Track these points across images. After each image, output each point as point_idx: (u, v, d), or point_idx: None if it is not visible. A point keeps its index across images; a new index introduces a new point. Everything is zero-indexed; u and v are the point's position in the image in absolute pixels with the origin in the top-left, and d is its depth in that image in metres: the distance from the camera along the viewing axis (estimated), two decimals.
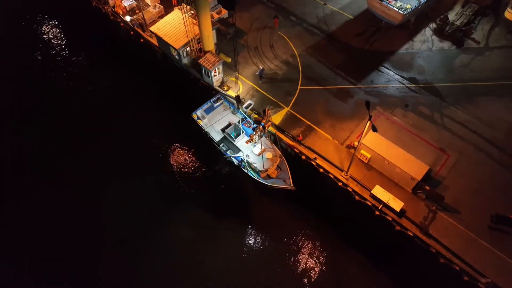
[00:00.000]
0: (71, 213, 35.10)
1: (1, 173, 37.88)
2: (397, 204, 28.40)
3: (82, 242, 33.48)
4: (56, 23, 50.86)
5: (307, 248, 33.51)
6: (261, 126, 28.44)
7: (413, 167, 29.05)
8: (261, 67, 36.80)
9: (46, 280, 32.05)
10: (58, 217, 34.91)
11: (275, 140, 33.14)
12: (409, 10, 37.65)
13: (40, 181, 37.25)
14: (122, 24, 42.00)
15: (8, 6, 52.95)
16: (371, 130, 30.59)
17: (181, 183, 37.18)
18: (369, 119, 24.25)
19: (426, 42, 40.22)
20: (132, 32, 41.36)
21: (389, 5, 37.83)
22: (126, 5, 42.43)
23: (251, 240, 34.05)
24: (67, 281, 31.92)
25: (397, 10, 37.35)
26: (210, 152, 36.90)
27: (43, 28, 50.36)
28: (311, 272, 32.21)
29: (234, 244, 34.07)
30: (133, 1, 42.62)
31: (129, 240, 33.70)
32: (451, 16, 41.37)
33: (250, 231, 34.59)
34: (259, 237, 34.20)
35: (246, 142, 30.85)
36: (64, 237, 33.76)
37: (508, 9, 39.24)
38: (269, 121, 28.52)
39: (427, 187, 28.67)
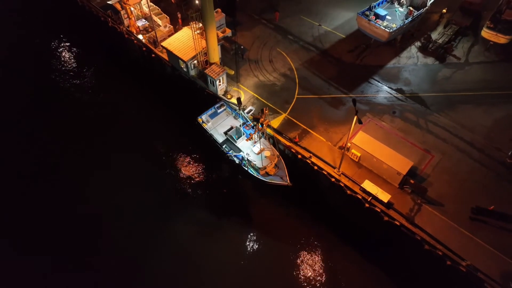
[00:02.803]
0: (81, 211, 37.72)
1: (16, 174, 40.92)
2: (384, 196, 31.06)
3: (89, 238, 35.82)
4: (75, 41, 55.79)
5: (304, 244, 35.70)
6: (259, 125, 31.59)
7: (398, 163, 31.88)
8: (242, 47, 42.17)
9: (55, 276, 34.05)
10: (68, 215, 37.36)
11: (273, 143, 36.24)
12: (394, 29, 41.83)
13: (50, 181, 40.20)
14: (135, 41, 46.36)
15: (31, 25, 58.20)
16: (361, 132, 34.29)
17: (185, 185, 39.89)
18: (356, 114, 27.42)
19: (411, 58, 44.16)
20: (144, 48, 45.63)
21: (376, 24, 42.09)
22: (139, 25, 46.95)
23: (251, 239, 36.23)
24: (76, 275, 33.88)
25: (384, 28, 41.56)
26: (213, 157, 40.11)
27: (63, 46, 55.24)
28: (308, 267, 34.30)
29: (234, 242, 36.25)
30: (146, 21, 47.22)
31: (134, 238, 35.92)
32: (434, 35, 45.65)
33: (250, 230, 36.84)
34: (258, 236, 36.39)
35: (247, 139, 33.94)
36: (73, 233, 36.13)
37: (484, 28, 43.39)
38: (267, 119, 31.67)
39: (412, 181, 31.39)
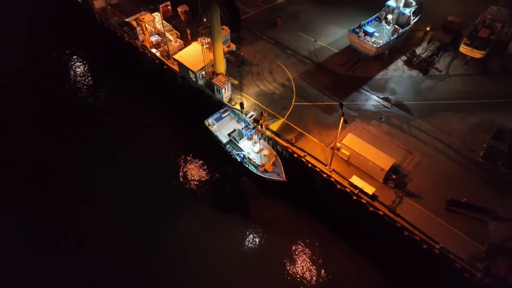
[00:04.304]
0: (92, 207, 41.99)
1: (39, 174, 45.35)
2: (370, 189, 35.21)
3: (101, 232, 39.71)
4: (92, 54, 61.48)
5: (300, 237, 39.61)
6: (259, 126, 36.12)
7: (382, 160, 36.10)
8: (241, 54, 48.22)
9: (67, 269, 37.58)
10: (80, 212, 41.52)
11: (272, 144, 40.62)
12: (381, 44, 46.78)
13: (65, 179, 44.54)
14: (149, 55, 51.51)
15: (51, 39, 63.82)
16: (350, 134, 38.70)
17: (192, 183, 44.20)
18: (342, 115, 31.92)
19: (397, 70, 48.96)
20: (157, 61, 50.70)
21: (365, 40, 47.08)
22: (153, 40, 52.21)
23: (251, 232, 40.19)
24: (90, 263, 37.68)
25: (372, 44, 46.51)
26: (217, 157, 44.45)
27: (81, 58, 60.87)
28: (303, 257, 38.18)
29: (236, 235, 40.19)
30: (159, 37, 52.46)
31: (143, 232, 39.80)
32: (419, 50, 50.63)
33: (250, 224, 40.88)
34: (258, 230, 40.37)
35: (248, 139, 38.39)
36: (85, 228, 40.13)
37: (462, 45, 48.28)
38: (266, 121, 36.19)
39: (394, 176, 35.58)
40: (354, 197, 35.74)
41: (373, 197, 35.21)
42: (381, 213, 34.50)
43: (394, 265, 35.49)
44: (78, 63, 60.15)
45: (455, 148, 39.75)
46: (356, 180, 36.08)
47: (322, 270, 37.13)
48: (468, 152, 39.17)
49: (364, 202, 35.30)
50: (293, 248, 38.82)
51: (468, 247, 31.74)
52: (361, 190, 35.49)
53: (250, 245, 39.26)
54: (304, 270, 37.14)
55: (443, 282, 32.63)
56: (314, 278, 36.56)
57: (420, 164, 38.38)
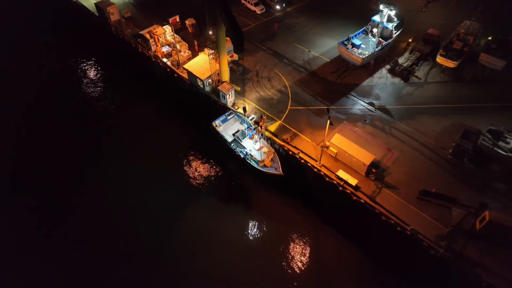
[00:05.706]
0: (115, 200, 47.75)
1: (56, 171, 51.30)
2: (353, 181, 41.24)
3: (123, 222, 45.55)
4: (108, 63, 67.71)
5: (294, 225, 45.56)
6: (259, 127, 42.26)
7: (364, 156, 42.13)
8: (257, 68, 54.16)
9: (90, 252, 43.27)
10: (104, 203, 47.41)
11: (271, 143, 46.71)
12: (367, 55, 52.91)
13: (88, 180, 50.45)
14: (161, 64, 57.66)
15: (67, 48, 70.04)
16: (337, 134, 44.70)
17: (200, 178, 50.11)
18: (328, 118, 38.04)
19: (382, 78, 55.06)
20: (168, 70, 56.84)
21: (352, 52, 53.20)
22: (164, 51, 58.36)
23: (252, 221, 46.13)
24: (102, 247, 43.23)
25: (358, 55, 52.63)
26: (223, 155, 50.45)
27: (98, 67, 67.02)
28: (297, 242, 44.14)
29: (239, 223, 46.06)
30: (169, 48, 58.62)
31: (158, 220, 45.63)
32: (401, 60, 56.73)
33: (251, 214, 46.85)
34: (258, 218, 46.28)
35: (250, 138, 44.58)
36: (108, 217, 46.03)
37: (438, 55, 54.35)
38: (265, 123, 42.32)
39: (374, 170, 41.63)
40: (340, 188, 41.73)
41: (356, 188, 41.20)
42: (362, 201, 40.46)
43: (373, 244, 41.56)
44: (95, 71, 66.38)
45: (429, 146, 45.75)
46: (342, 173, 42.11)
47: (313, 252, 43.14)
48: (439, 150, 45.18)
49: (349, 192, 41.28)
50: (288, 233, 44.79)
51: (435, 229, 37.69)
52: (346, 182, 41.49)
53: (251, 231, 45.15)
54: (297, 251, 43.11)
55: (412, 258, 38.56)
56: (306, 258, 42.59)
57: (398, 160, 44.38)
